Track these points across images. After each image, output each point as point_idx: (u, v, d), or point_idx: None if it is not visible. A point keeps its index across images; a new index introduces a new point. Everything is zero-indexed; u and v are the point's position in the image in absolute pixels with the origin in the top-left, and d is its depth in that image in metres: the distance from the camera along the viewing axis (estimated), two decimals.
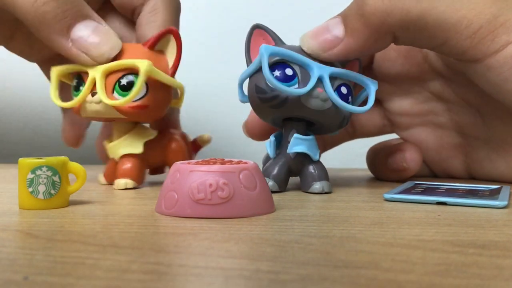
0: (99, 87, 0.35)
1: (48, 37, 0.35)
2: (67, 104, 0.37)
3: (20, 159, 0.28)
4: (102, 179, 0.39)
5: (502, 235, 0.22)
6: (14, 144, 0.64)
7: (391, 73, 0.41)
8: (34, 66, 0.65)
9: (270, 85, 0.32)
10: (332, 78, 0.33)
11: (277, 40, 0.35)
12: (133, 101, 0.35)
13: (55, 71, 0.37)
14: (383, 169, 0.42)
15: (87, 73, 0.36)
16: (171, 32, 0.37)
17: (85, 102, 0.36)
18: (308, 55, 0.34)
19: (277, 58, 0.33)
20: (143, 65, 0.35)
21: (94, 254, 0.19)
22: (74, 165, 0.29)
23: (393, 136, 0.45)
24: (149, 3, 0.39)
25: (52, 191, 0.28)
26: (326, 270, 0.17)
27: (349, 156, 0.61)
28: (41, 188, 0.28)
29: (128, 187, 0.37)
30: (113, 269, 0.17)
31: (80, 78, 0.37)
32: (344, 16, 0.33)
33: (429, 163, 0.44)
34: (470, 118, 0.41)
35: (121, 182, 0.37)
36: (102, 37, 0.36)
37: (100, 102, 0.35)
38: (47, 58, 0.43)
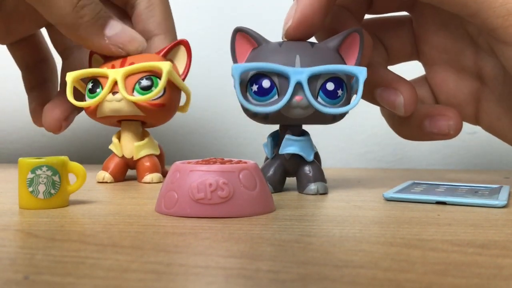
0: (121, 86, 0.37)
1: (86, 37, 0.38)
2: (85, 104, 0.39)
3: (20, 159, 0.28)
4: (107, 176, 0.40)
5: (501, 235, 0.23)
6: (14, 144, 0.64)
7: None
8: None
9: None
10: (316, 76, 0.32)
11: (260, 40, 0.34)
12: (153, 99, 0.38)
13: (71, 76, 0.39)
14: (413, 128, 0.40)
15: (104, 77, 0.39)
16: (182, 43, 0.41)
17: (104, 102, 0.38)
18: (293, 55, 0.32)
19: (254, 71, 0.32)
20: (166, 66, 0.38)
21: (94, 254, 0.19)
22: (74, 165, 0.29)
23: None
24: None
25: (52, 191, 0.28)
26: (326, 269, 0.17)
27: (349, 156, 0.61)
28: (41, 188, 0.28)
29: (154, 181, 0.40)
30: (113, 268, 0.17)
31: (96, 82, 0.39)
32: None
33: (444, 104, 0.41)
34: (494, 70, 0.38)
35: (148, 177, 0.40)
36: (132, 34, 0.40)
37: (121, 100, 0.38)
38: (18, 40, 0.47)
